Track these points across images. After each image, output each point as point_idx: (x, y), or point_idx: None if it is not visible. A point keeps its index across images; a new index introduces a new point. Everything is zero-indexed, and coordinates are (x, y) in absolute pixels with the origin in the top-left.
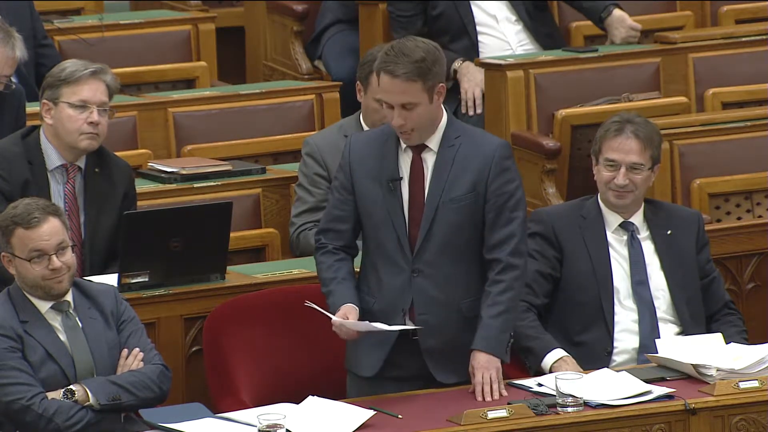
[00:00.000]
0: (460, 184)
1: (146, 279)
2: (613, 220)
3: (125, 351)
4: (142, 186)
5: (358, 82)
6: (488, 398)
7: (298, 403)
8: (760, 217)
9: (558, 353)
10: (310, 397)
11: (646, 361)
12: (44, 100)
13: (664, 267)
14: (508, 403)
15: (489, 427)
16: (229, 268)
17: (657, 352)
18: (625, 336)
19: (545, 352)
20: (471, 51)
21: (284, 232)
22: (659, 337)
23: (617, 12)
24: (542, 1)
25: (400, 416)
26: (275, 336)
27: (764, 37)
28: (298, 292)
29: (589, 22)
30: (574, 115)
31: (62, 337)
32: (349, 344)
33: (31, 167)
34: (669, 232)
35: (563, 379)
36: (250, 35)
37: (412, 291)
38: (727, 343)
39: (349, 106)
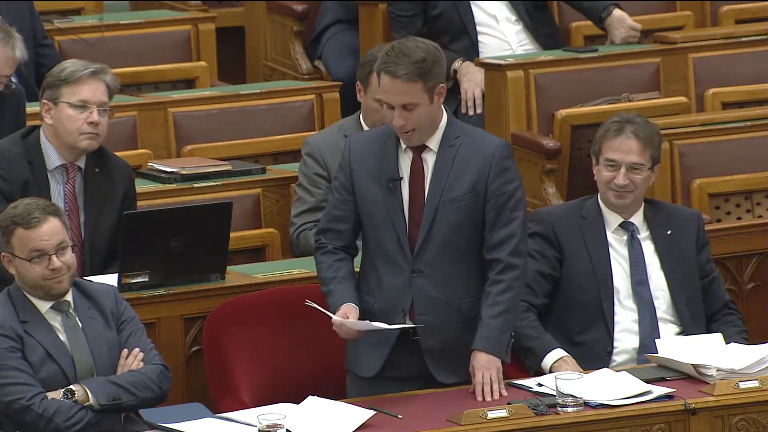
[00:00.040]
0: (460, 184)
1: (146, 279)
2: (613, 220)
3: (125, 351)
4: (142, 186)
5: (358, 82)
6: (488, 398)
7: (298, 403)
8: (760, 217)
9: (558, 353)
10: (310, 397)
11: (646, 361)
12: (44, 100)
13: (664, 267)
14: (508, 403)
15: (489, 427)
16: (229, 268)
17: (657, 352)
18: (625, 336)
19: (545, 352)
20: (471, 51)
21: (284, 232)
22: (659, 337)
23: (617, 12)
24: (542, 1)
25: (400, 416)
26: (275, 336)
27: (764, 37)
28: (298, 292)
29: (589, 22)
30: (574, 115)
31: (62, 337)
32: (349, 344)
33: (31, 167)
34: (669, 232)
35: (563, 379)
36: (250, 35)
37: (412, 291)
38: (727, 343)
39: (349, 106)
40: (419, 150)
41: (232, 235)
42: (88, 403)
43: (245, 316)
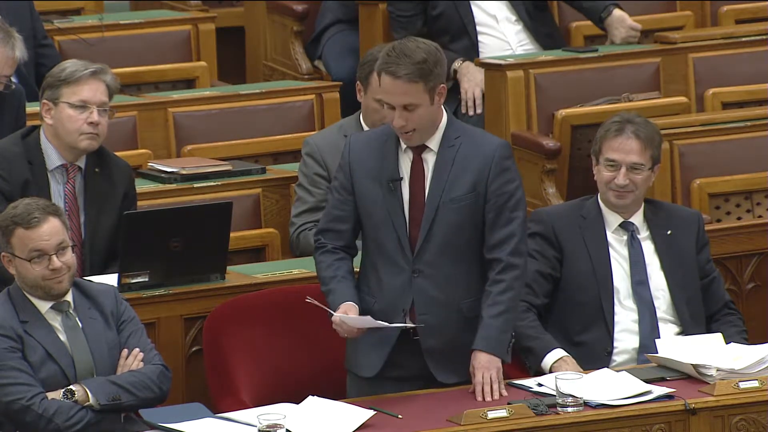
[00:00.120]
0: (461, 184)
1: (146, 279)
2: (613, 220)
3: (125, 351)
4: (142, 186)
5: (358, 82)
6: (488, 398)
7: (298, 403)
8: (760, 217)
9: (558, 353)
10: (310, 397)
11: (646, 361)
12: (44, 100)
13: (664, 267)
14: (508, 403)
15: (489, 427)
16: (229, 268)
17: (657, 352)
18: (625, 336)
19: (545, 352)
20: (471, 51)
21: (284, 232)
22: (659, 337)
23: (617, 12)
24: (542, 1)
25: (400, 416)
26: (275, 336)
27: (764, 37)
28: (298, 292)
29: (589, 22)
30: (574, 115)
31: (62, 337)
32: (349, 344)
33: (31, 167)
34: (669, 232)
35: (563, 379)
36: (250, 35)
37: (412, 291)
38: (727, 343)
39: (349, 106)
40: (419, 150)
41: (232, 235)
42: (88, 403)
43: (245, 316)
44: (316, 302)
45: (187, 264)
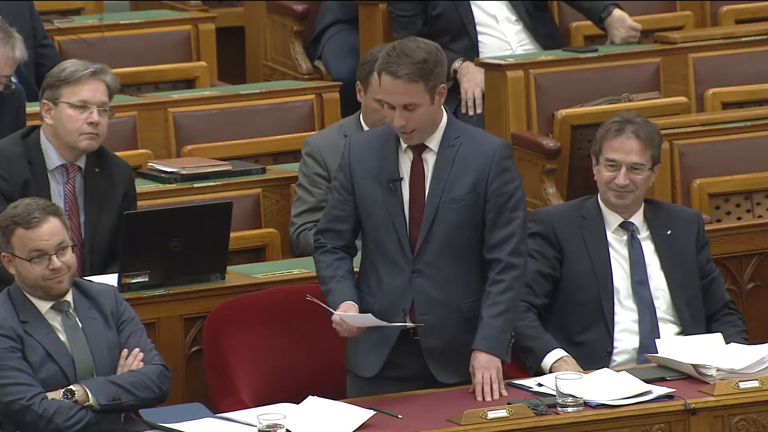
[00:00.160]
0: (461, 184)
1: (146, 279)
2: (613, 220)
3: (125, 351)
4: (142, 186)
5: (358, 82)
6: (488, 398)
7: (298, 403)
8: (760, 217)
9: (558, 353)
10: (310, 397)
11: (646, 361)
12: (44, 100)
13: (664, 267)
14: (508, 403)
15: (489, 427)
16: (229, 268)
17: (657, 352)
18: (625, 336)
19: (545, 352)
20: (471, 51)
21: (284, 232)
22: (659, 337)
23: (617, 12)
24: (542, 1)
25: (400, 416)
26: (275, 336)
27: (764, 37)
28: (298, 292)
29: (589, 22)
30: (574, 115)
31: (62, 337)
32: (349, 344)
33: (31, 167)
34: (669, 232)
35: (563, 379)
36: (250, 35)
37: (412, 291)
38: (727, 343)
39: (349, 106)
40: (419, 150)
41: (232, 235)
42: (88, 403)
43: (245, 316)
44: (316, 300)
45: (187, 264)
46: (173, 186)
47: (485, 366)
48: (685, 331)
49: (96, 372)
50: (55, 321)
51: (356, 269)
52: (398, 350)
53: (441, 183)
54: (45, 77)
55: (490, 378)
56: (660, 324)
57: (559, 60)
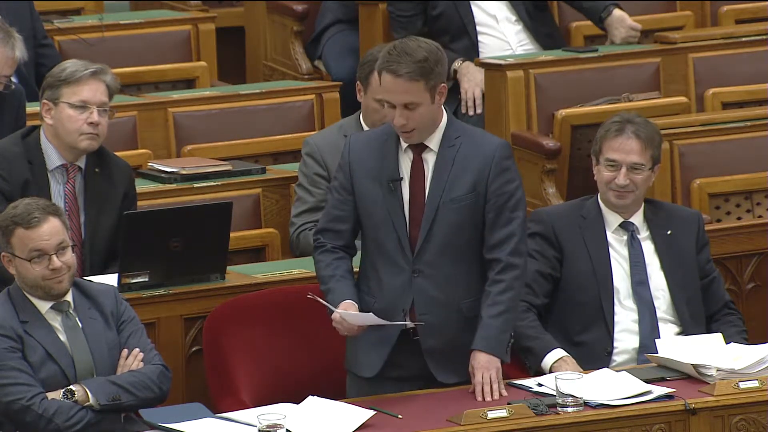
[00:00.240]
0: (461, 184)
1: (146, 279)
2: (613, 220)
3: (125, 351)
4: (142, 186)
5: (358, 82)
6: (488, 398)
7: (298, 403)
8: (760, 217)
9: (558, 353)
10: (310, 397)
11: (646, 361)
12: (44, 100)
13: (664, 267)
14: (508, 403)
15: (489, 427)
16: (229, 268)
17: (657, 352)
18: (625, 336)
19: (545, 352)
20: (471, 51)
21: (284, 232)
22: (659, 337)
23: (617, 12)
24: (542, 1)
25: (400, 416)
26: (275, 336)
27: (764, 37)
28: (298, 292)
29: (589, 22)
30: (574, 115)
31: (62, 337)
32: (349, 344)
33: (31, 167)
34: (669, 232)
35: (563, 379)
36: (250, 35)
37: (412, 291)
38: (727, 343)
39: (349, 106)
40: (419, 150)
41: (232, 235)
42: (88, 403)
43: (245, 316)
44: (317, 298)
45: (187, 264)
46: (173, 186)
47: (485, 366)
48: (685, 331)
49: (96, 372)
50: (55, 321)
51: (356, 269)
52: (398, 350)
53: (441, 183)
54: (45, 77)
55: (490, 378)
56: (660, 324)
57: (559, 60)
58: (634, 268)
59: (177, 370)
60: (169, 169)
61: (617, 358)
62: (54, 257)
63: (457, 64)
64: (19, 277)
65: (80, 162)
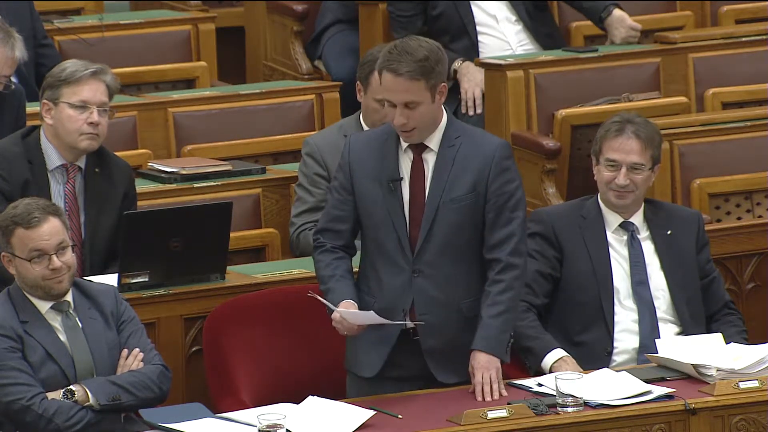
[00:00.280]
0: (461, 184)
1: (146, 279)
2: (613, 220)
3: (125, 351)
4: (142, 186)
5: (358, 82)
6: (488, 398)
7: (298, 403)
8: (760, 217)
9: (558, 353)
10: (310, 397)
11: (646, 361)
12: (44, 100)
13: (664, 267)
14: (508, 403)
15: (489, 427)
16: (229, 268)
17: (657, 352)
18: (625, 336)
19: (545, 352)
20: (471, 51)
21: (284, 232)
22: (659, 337)
23: (617, 12)
24: (542, 1)
25: (400, 416)
26: (275, 336)
27: (764, 37)
28: (298, 292)
29: (589, 22)
30: (574, 115)
31: (62, 337)
32: (349, 345)
33: (31, 167)
34: (669, 232)
35: (563, 379)
36: (250, 35)
37: (412, 291)
38: (727, 343)
39: (349, 106)
40: (419, 150)
41: (232, 235)
42: (88, 403)
43: (245, 316)
44: (317, 297)
45: (187, 264)
46: (173, 186)
47: (485, 366)
48: (685, 331)
49: (96, 372)
50: (55, 321)
51: (355, 269)
52: (398, 350)
53: (441, 183)
54: (45, 77)
55: (490, 378)
56: (660, 324)
57: (559, 60)
58: (634, 268)
59: (177, 370)
60: (169, 169)
61: (617, 358)
62: (54, 257)
63: (457, 64)
64: (19, 277)
65: (80, 162)
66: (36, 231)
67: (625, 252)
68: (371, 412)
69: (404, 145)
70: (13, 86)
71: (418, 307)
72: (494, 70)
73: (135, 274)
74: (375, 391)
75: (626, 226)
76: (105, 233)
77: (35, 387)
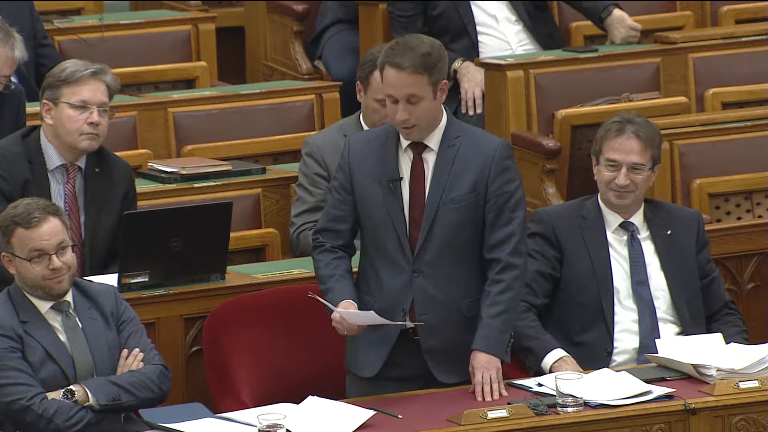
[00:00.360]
0: (461, 184)
1: (146, 279)
2: (613, 220)
3: (125, 351)
4: (142, 186)
5: (358, 82)
6: (488, 398)
7: (298, 403)
8: (760, 217)
9: (558, 353)
10: (310, 397)
11: (646, 361)
12: (44, 100)
13: (664, 267)
14: (508, 403)
15: (489, 427)
16: (229, 268)
17: (657, 352)
18: (625, 336)
19: (545, 352)
20: (471, 51)
21: (284, 232)
22: (659, 337)
23: (617, 12)
24: (542, 1)
25: (400, 416)
26: (275, 336)
27: (764, 37)
28: (298, 292)
29: (589, 22)
30: (574, 115)
31: (62, 337)
32: (349, 345)
33: (31, 167)
34: (669, 232)
35: (563, 379)
36: (250, 35)
37: (412, 291)
38: (727, 343)
39: (349, 106)
40: (419, 150)
41: (232, 235)
42: (88, 403)
43: (245, 316)
44: (317, 297)
45: (187, 264)
46: (173, 186)
47: (485, 366)
48: (685, 331)
49: (96, 372)
50: (55, 321)
51: (354, 269)
52: (398, 350)
53: (441, 183)
54: (45, 77)
55: (490, 378)
56: (660, 324)
57: (559, 60)
58: (634, 268)
59: (177, 370)
60: (169, 169)
61: (617, 358)
62: (54, 257)
63: (457, 64)
64: (19, 277)
65: (80, 162)
66: (36, 231)
67: (625, 252)
68: (371, 412)
69: (404, 145)
70: (13, 86)
71: (418, 307)
72: (494, 70)
73: (135, 274)
74: (375, 391)
75: (626, 226)
76: (105, 233)
77: (35, 387)
